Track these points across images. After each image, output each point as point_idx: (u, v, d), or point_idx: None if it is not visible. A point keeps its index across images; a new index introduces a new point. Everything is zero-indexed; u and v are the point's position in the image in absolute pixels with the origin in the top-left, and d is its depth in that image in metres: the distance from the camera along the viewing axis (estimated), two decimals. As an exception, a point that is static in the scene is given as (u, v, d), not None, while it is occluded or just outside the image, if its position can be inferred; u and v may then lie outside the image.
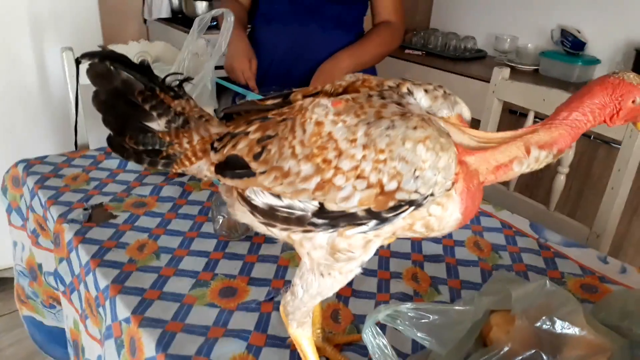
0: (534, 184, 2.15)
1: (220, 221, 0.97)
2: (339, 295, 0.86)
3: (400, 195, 0.48)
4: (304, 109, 0.54)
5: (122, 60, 0.62)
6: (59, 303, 1.23)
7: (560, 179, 1.31)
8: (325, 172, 0.50)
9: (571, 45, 2.26)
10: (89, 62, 0.62)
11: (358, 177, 0.48)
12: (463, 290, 0.89)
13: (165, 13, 2.81)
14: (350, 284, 0.90)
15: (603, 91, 0.54)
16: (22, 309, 1.33)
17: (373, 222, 0.50)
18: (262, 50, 1.52)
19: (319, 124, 0.51)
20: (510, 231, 1.09)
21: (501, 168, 0.51)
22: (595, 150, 1.93)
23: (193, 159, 0.64)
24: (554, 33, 2.34)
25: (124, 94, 0.62)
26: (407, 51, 2.65)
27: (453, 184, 0.49)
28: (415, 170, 0.47)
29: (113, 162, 1.30)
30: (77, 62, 1.37)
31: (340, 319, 0.81)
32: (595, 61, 2.24)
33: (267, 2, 1.53)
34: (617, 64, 2.21)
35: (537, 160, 0.51)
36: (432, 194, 0.48)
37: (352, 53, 1.45)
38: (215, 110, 1.34)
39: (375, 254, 0.97)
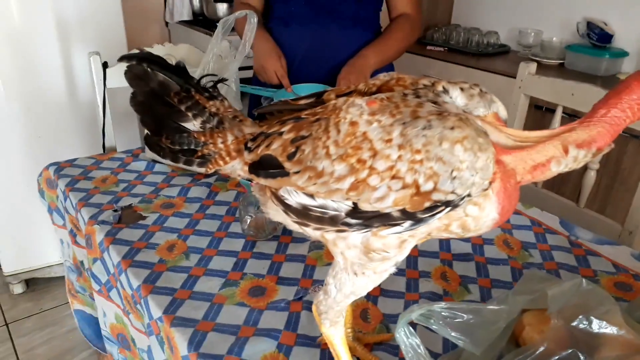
0: (562, 180, 2.11)
1: (248, 221, 0.98)
2: (368, 294, 0.86)
3: (436, 196, 0.47)
4: (338, 109, 0.54)
5: (158, 62, 0.63)
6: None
7: (591, 175, 1.29)
8: (359, 172, 0.50)
9: (598, 37, 2.21)
10: (127, 64, 0.63)
11: (393, 177, 0.48)
12: (494, 289, 0.88)
13: (187, 16, 2.84)
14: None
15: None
16: (73, 303, 1.35)
17: (408, 223, 0.50)
18: (274, 24, 1.53)
19: (353, 123, 0.51)
20: (540, 229, 1.07)
21: (538, 168, 0.50)
22: (625, 144, 1.88)
23: (227, 158, 0.65)
24: (580, 26, 2.30)
25: (161, 95, 0.64)
26: (428, 47, 2.63)
27: (490, 183, 0.48)
28: (452, 170, 0.46)
29: (141, 164, 1.32)
30: (104, 66, 1.40)
31: (369, 319, 0.81)
32: (623, 54, 2.19)
33: (282, 4, 1.54)
34: (646, 56, 2.15)
35: (576, 159, 0.50)
36: (469, 195, 0.48)
37: (378, 49, 1.46)
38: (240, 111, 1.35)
39: (403, 253, 0.97)
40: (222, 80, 0.70)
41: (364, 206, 0.51)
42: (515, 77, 1.44)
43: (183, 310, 0.81)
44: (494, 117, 0.53)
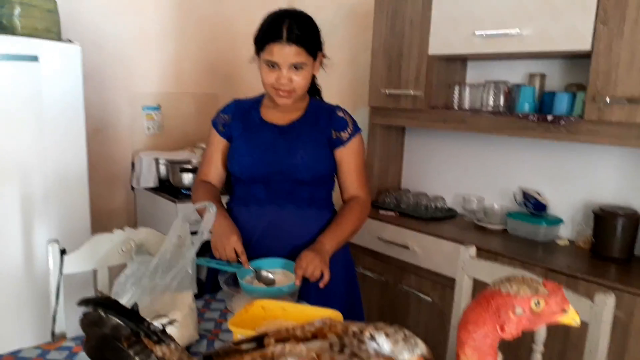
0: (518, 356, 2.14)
1: None
2: None
3: None
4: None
5: (113, 307, 0.67)
6: None
7: (537, 358, 1.33)
8: None
9: (533, 206, 2.42)
10: (84, 311, 0.67)
11: None
12: None
13: (153, 183, 2.97)
14: None
15: (482, 307, 0.54)
16: None
17: None
18: (240, 231, 1.60)
19: None
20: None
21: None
22: (571, 311, 1.96)
23: None
24: (517, 195, 2.51)
25: (112, 340, 0.67)
26: (381, 212, 2.79)
27: None
28: None
29: (89, 355, 1.28)
30: (62, 253, 1.43)
31: None
32: (558, 221, 2.38)
33: (243, 187, 1.67)
34: (579, 223, 2.35)
35: None
36: None
37: (333, 235, 1.57)
38: (195, 295, 1.37)
39: None
40: (172, 322, 0.74)
41: None
42: (462, 243, 1.54)
43: None
44: (419, 360, 0.58)
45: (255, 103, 1.72)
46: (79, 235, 1.94)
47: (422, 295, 2.47)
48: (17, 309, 1.96)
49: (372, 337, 0.59)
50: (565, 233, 2.41)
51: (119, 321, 0.67)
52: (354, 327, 0.61)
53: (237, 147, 1.66)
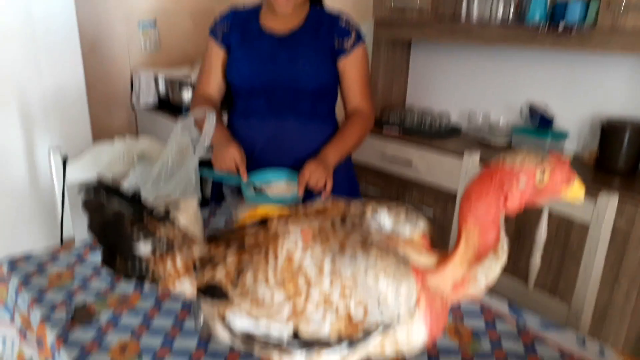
0: (514, 263, 2.19)
1: (202, 320, 0.98)
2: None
3: (367, 322, 0.51)
4: (277, 237, 0.57)
5: (115, 192, 0.67)
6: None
7: (536, 260, 1.35)
8: (296, 300, 0.53)
9: (539, 120, 2.38)
10: (85, 196, 0.66)
11: (327, 305, 0.51)
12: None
13: (153, 100, 2.93)
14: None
15: (486, 180, 0.54)
16: None
17: (345, 347, 0.53)
18: (242, 144, 1.58)
19: (289, 254, 0.55)
20: (490, 315, 1.11)
21: (458, 287, 0.54)
22: (571, 223, 1.98)
23: (176, 282, 0.68)
24: (523, 109, 2.47)
25: (115, 223, 0.68)
26: (384, 129, 2.76)
27: (416, 307, 0.52)
28: (379, 298, 0.50)
29: (97, 256, 1.31)
30: (64, 160, 1.42)
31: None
32: (563, 135, 2.35)
33: (244, 100, 1.63)
34: (585, 137, 2.32)
35: (490, 268, 0.54)
36: (397, 320, 0.51)
37: (337, 148, 1.54)
38: (199, 199, 1.38)
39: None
40: (174, 206, 0.74)
41: (304, 332, 0.54)
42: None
43: (132, 419, 0.80)
44: (420, 237, 0.58)
45: (254, 12, 1.65)
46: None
47: (424, 208, 2.49)
48: (28, 217, 2.00)
49: (374, 214, 0.58)
50: (570, 147, 2.39)
51: (121, 205, 0.67)
52: (356, 204, 0.60)
53: (236, 58, 1.61)
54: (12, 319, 1.25)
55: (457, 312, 1.11)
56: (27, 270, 1.24)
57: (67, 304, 1.10)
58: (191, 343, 0.98)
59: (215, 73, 1.68)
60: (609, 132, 2.08)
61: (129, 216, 0.69)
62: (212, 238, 0.69)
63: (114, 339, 0.99)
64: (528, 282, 1.36)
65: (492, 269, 0.54)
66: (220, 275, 0.60)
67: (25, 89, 2.03)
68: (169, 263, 0.67)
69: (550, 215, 1.32)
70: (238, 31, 1.62)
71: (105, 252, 0.69)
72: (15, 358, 1.24)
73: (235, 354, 0.96)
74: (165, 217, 0.70)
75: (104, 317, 1.06)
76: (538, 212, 1.35)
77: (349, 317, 0.51)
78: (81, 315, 1.06)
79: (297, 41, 1.58)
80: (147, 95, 2.91)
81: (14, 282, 1.20)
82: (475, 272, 0.53)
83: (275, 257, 0.56)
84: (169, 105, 2.89)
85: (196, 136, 1.33)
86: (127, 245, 0.68)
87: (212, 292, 0.60)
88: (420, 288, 0.53)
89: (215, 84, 1.69)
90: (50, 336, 1.01)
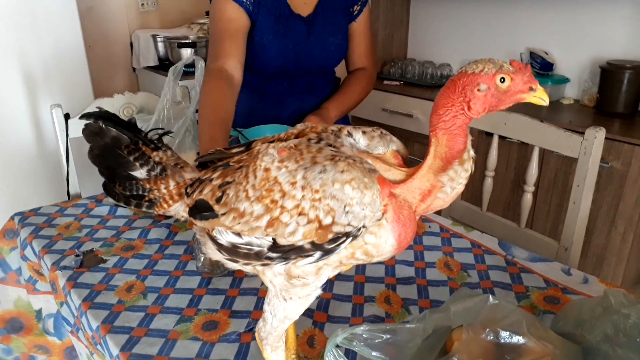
0: (508, 204, 2.23)
1: (202, 259, 1.04)
2: (315, 321, 0.92)
3: (336, 228, 0.55)
4: (256, 157, 0.62)
5: (112, 119, 0.71)
6: (46, 352, 1.28)
7: (527, 198, 1.38)
8: (273, 210, 0.57)
9: (540, 66, 2.37)
10: (85, 122, 0.71)
11: (300, 214, 0.56)
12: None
13: (153, 61, 2.93)
14: (325, 309, 0.96)
15: (450, 89, 0.57)
16: None
17: (318, 254, 0.57)
18: (248, 93, 1.53)
19: (266, 170, 0.59)
20: (480, 250, 1.15)
21: (426, 196, 0.58)
22: (569, 165, 2.00)
23: (170, 202, 0.74)
24: (523, 56, 2.45)
25: (113, 148, 0.73)
26: (385, 82, 2.75)
27: (383, 214, 0.56)
28: (345, 206, 0.54)
29: (103, 209, 1.37)
30: (66, 117, 1.46)
31: (316, 344, 0.87)
32: (564, 80, 2.34)
33: (260, 79, 1.50)
34: (585, 81, 2.31)
35: (456, 173, 0.57)
36: (364, 226, 0.55)
37: (338, 104, 1.52)
38: (198, 153, 1.42)
39: (350, 280, 1.04)
40: (167, 132, 0.78)
41: (281, 241, 0.58)
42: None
43: (139, 347, 0.86)
44: (392, 155, 0.61)
45: None
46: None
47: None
48: (35, 176, 2.06)
49: (350, 134, 0.62)
50: (571, 93, 2.38)
51: (118, 132, 0.72)
52: (333, 127, 0.64)
53: (268, 41, 1.40)
54: (7, 275, 1.31)
55: (447, 249, 1.15)
56: (37, 223, 1.30)
57: (75, 251, 1.15)
58: (193, 283, 1.04)
59: (237, 43, 1.34)
60: (609, 73, 2.07)
61: (126, 141, 0.74)
62: (202, 164, 0.74)
63: (120, 280, 1.05)
64: (520, 221, 1.40)
65: (459, 176, 0.57)
66: (206, 193, 0.65)
67: (25, 52, 2.05)
68: (162, 186, 0.73)
69: (542, 155, 1.34)
70: (267, 8, 1.38)
71: (104, 176, 0.74)
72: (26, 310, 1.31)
73: (234, 290, 1.01)
74: (159, 143, 0.75)
75: (111, 262, 1.12)
76: (530, 153, 1.37)
77: (320, 224, 0.55)
78: (89, 261, 1.12)
79: (322, 19, 1.47)
80: (147, 56, 2.91)
81: (23, 234, 1.26)
82: (443, 181, 0.57)
83: (255, 173, 0.60)
84: (169, 66, 2.90)
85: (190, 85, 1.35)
86: (124, 168, 0.73)
87: (200, 208, 0.65)
88: (388, 197, 0.57)
89: (236, 57, 1.33)
90: (61, 280, 1.07)
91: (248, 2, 1.35)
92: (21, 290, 1.30)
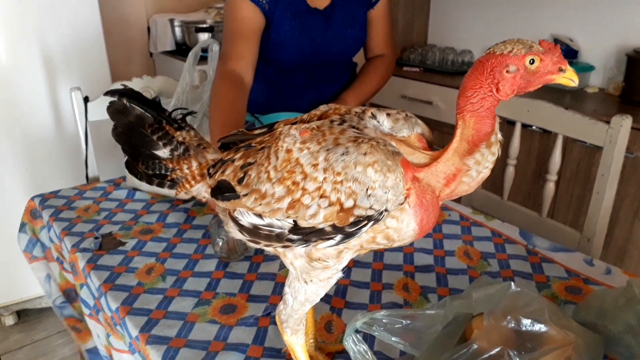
0: (529, 194, 2.19)
1: (220, 244, 1.04)
2: (332, 307, 0.92)
3: (357, 212, 0.54)
4: (279, 137, 0.61)
5: (137, 97, 0.71)
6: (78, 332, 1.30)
7: (550, 187, 1.35)
8: (294, 192, 0.57)
9: (565, 53, 2.30)
10: (110, 99, 0.71)
11: (321, 196, 0.55)
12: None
13: (170, 46, 2.93)
14: (343, 295, 0.95)
15: (478, 71, 0.55)
16: (85, 339, 1.27)
17: (339, 237, 0.56)
18: (265, 84, 1.51)
19: (288, 151, 0.58)
20: (500, 239, 1.13)
21: (450, 180, 0.56)
22: (592, 155, 1.96)
23: (192, 182, 0.73)
24: (547, 43, 2.39)
25: (137, 127, 0.73)
26: (405, 68, 2.72)
27: (406, 198, 0.55)
28: (367, 189, 0.53)
29: (122, 193, 1.37)
30: (86, 100, 1.46)
31: (333, 330, 0.87)
32: (589, 68, 2.28)
33: (277, 72, 1.47)
34: (610, 69, 2.25)
35: (483, 157, 0.55)
36: (386, 210, 0.54)
37: (356, 94, 1.49)
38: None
39: (368, 267, 1.03)
40: (191, 112, 0.78)
41: (302, 223, 0.57)
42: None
43: (158, 329, 0.86)
44: (417, 138, 0.60)
45: None
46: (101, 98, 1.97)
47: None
48: (54, 159, 2.09)
49: (373, 116, 0.60)
50: (596, 81, 2.32)
51: (142, 110, 0.72)
52: (357, 108, 0.62)
53: (286, 38, 1.38)
54: (47, 252, 1.33)
55: (467, 237, 1.14)
56: (57, 205, 1.31)
57: (94, 234, 1.16)
58: (211, 266, 1.04)
59: (249, 44, 1.32)
60: (636, 61, 2.01)
61: (150, 120, 0.74)
62: (224, 145, 0.73)
63: (140, 263, 1.06)
64: (541, 211, 1.37)
65: (486, 160, 0.56)
66: (228, 173, 0.64)
67: (44, 36, 2.06)
68: (185, 167, 0.73)
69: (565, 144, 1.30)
70: (282, 3, 1.35)
71: (128, 155, 0.74)
72: (60, 288, 1.32)
73: (252, 275, 1.01)
74: (183, 123, 0.75)
75: (130, 245, 1.12)
76: (552, 142, 1.34)
77: (341, 207, 0.54)
78: (108, 243, 1.13)
79: (340, 11, 1.44)
80: (164, 41, 2.91)
81: (45, 216, 1.28)
82: (469, 164, 0.55)
83: (276, 155, 0.59)
84: (186, 51, 2.89)
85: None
86: (147, 147, 0.73)
87: (222, 189, 0.65)
88: (411, 180, 0.55)
89: (247, 60, 1.32)
90: (81, 262, 1.08)
91: (264, 1, 1.32)
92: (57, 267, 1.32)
